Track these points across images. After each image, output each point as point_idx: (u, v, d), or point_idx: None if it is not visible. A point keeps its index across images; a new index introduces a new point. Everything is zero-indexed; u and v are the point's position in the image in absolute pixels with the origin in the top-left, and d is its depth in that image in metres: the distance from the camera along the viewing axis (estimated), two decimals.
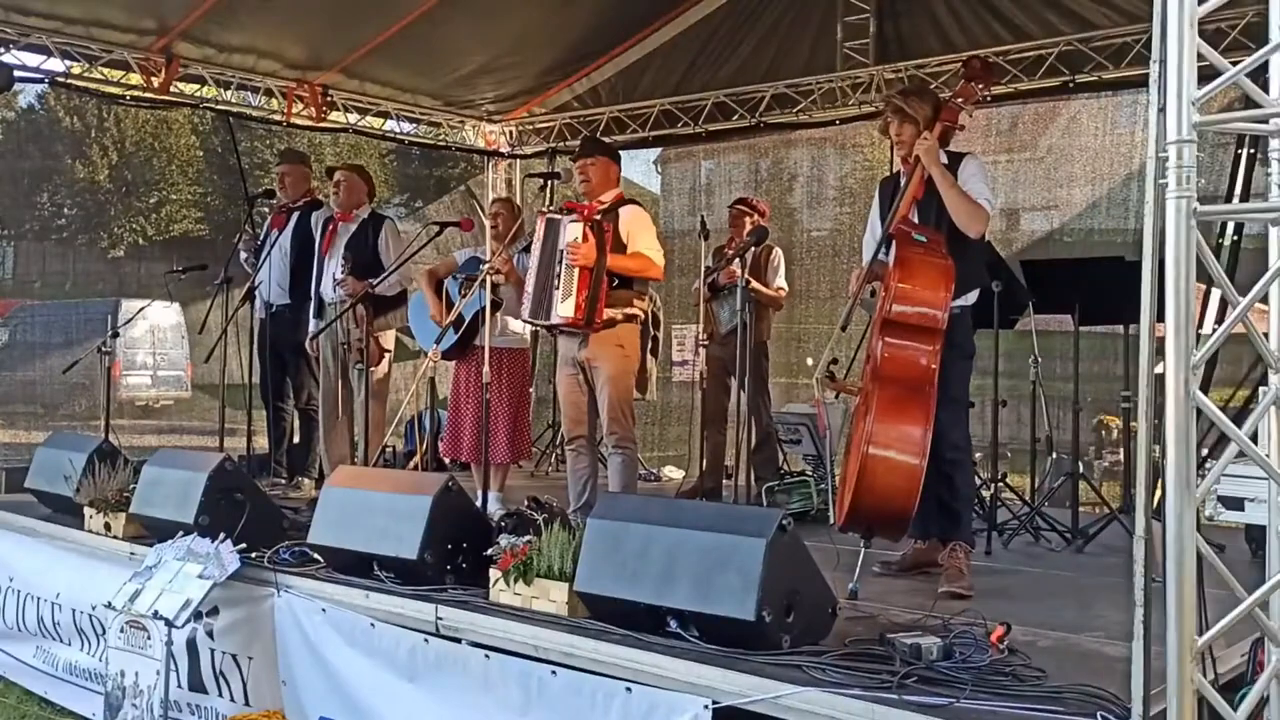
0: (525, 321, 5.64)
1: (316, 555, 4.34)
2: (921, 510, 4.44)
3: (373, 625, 3.93)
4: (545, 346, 6.51)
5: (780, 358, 7.35)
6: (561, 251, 5.07)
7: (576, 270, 5.02)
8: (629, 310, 5.23)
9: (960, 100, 4.48)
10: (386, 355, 6.38)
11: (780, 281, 6.77)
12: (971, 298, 4.47)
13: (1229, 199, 6.33)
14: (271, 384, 6.85)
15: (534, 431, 7.63)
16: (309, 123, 8.84)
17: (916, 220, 4.37)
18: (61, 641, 5.21)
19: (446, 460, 6.34)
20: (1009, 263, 5.98)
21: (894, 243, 4.29)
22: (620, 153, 5.68)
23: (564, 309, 5.05)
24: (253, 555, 4.39)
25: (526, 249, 5.77)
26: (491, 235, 5.95)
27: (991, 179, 4.54)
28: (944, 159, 4.39)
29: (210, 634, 4.38)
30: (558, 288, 5.08)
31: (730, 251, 6.25)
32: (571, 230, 5.07)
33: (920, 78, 7.36)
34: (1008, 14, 7.24)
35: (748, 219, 6.71)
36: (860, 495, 4.07)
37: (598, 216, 5.14)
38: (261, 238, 6.95)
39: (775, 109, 8.41)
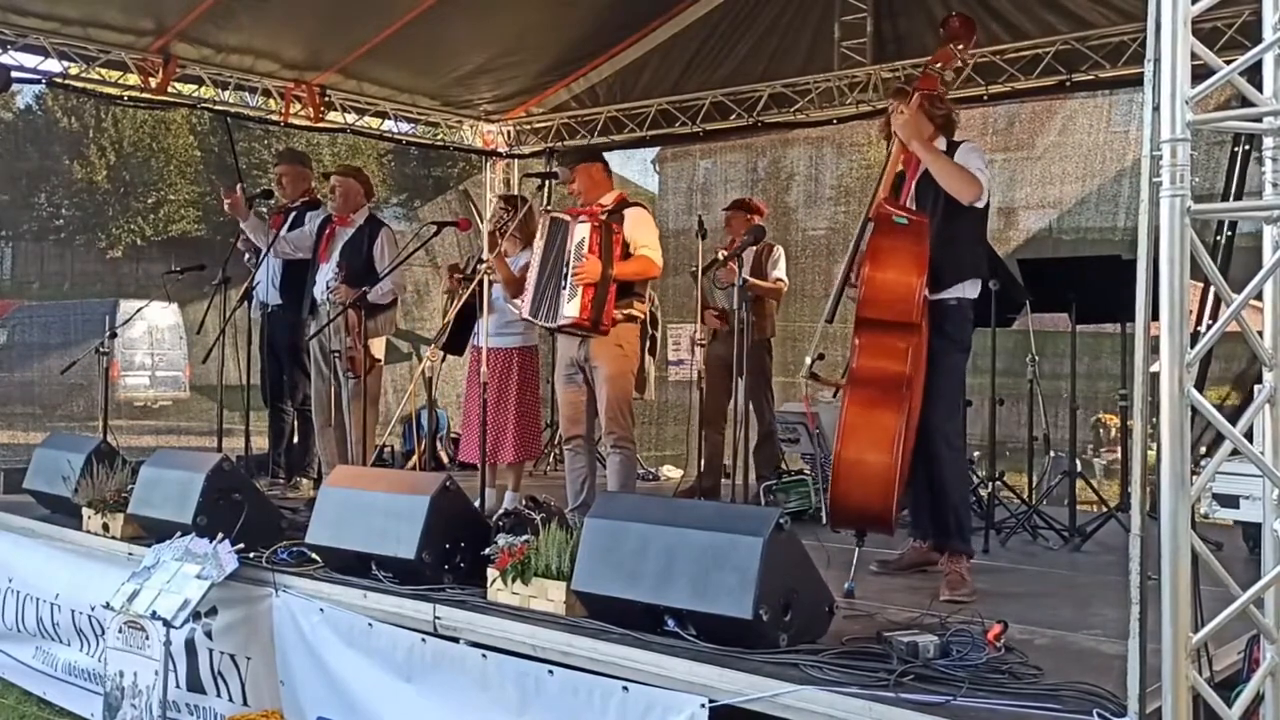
0: (525, 320, 5.63)
1: (314, 555, 4.34)
2: (919, 508, 4.46)
3: (370, 625, 3.93)
4: (544, 345, 6.50)
5: (777, 356, 7.35)
6: (569, 253, 5.03)
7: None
8: (629, 311, 5.24)
9: (939, 65, 4.26)
10: (377, 364, 6.34)
11: (778, 273, 6.75)
12: (970, 290, 4.30)
13: (1226, 197, 6.33)
14: (271, 384, 6.86)
15: None
16: (307, 123, 8.83)
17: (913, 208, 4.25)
18: (60, 642, 5.22)
19: (445, 460, 6.34)
20: (1006, 261, 5.99)
21: (872, 228, 4.14)
22: (602, 150, 5.62)
23: (569, 309, 5.03)
24: (251, 555, 4.40)
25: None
26: (510, 235, 5.80)
27: (989, 178, 4.44)
28: (942, 145, 4.26)
29: (209, 634, 4.38)
30: (564, 288, 5.06)
31: (726, 253, 6.24)
32: (579, 231, 5.03)
33: (918, 77, 7.35)
34: (1005, 13, 7.24)
35: (747, 220, 6.70)
36: (837, 496, 4.07)
37: (603, 217, 5.12)
38: None
39: (773, 108, 8.40)
